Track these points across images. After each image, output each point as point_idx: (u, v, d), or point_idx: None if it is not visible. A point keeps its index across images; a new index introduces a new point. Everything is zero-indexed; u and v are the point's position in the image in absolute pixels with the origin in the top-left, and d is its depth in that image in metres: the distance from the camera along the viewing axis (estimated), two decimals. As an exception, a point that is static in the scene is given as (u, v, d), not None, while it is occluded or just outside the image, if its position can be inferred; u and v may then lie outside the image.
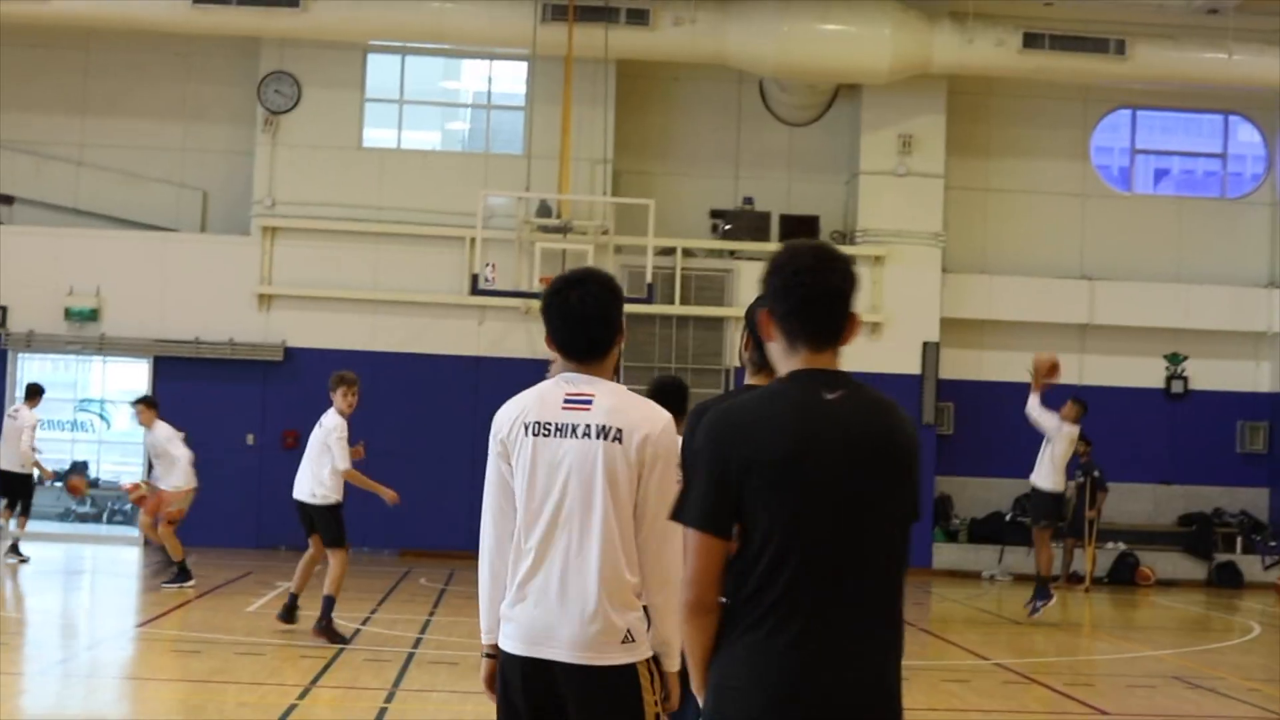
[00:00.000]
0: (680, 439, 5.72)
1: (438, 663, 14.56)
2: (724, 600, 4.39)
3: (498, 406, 5.64)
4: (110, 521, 29.08)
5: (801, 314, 4.43)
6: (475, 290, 25.22)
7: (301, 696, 12.23)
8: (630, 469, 5.42)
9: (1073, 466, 26.18)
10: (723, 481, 4.31)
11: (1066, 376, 27.88)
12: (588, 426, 5.46)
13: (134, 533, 26.97)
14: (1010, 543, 26.86)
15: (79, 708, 12.06)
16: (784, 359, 4.50)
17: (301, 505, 15.91)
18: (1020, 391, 27.58)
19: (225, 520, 23.58)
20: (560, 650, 5.37)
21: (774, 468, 4.28)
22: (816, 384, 4.40)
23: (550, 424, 5.50)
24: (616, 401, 5.53)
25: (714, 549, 4.33)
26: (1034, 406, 20.21)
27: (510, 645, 5.47)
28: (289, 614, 16.34)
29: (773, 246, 26.72)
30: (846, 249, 27.17)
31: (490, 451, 5.63)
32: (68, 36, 26.97)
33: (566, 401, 5.52)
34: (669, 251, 26.18)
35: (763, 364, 6.46)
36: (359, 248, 26.68)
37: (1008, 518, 27.48)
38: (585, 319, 5.57)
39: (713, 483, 4.33)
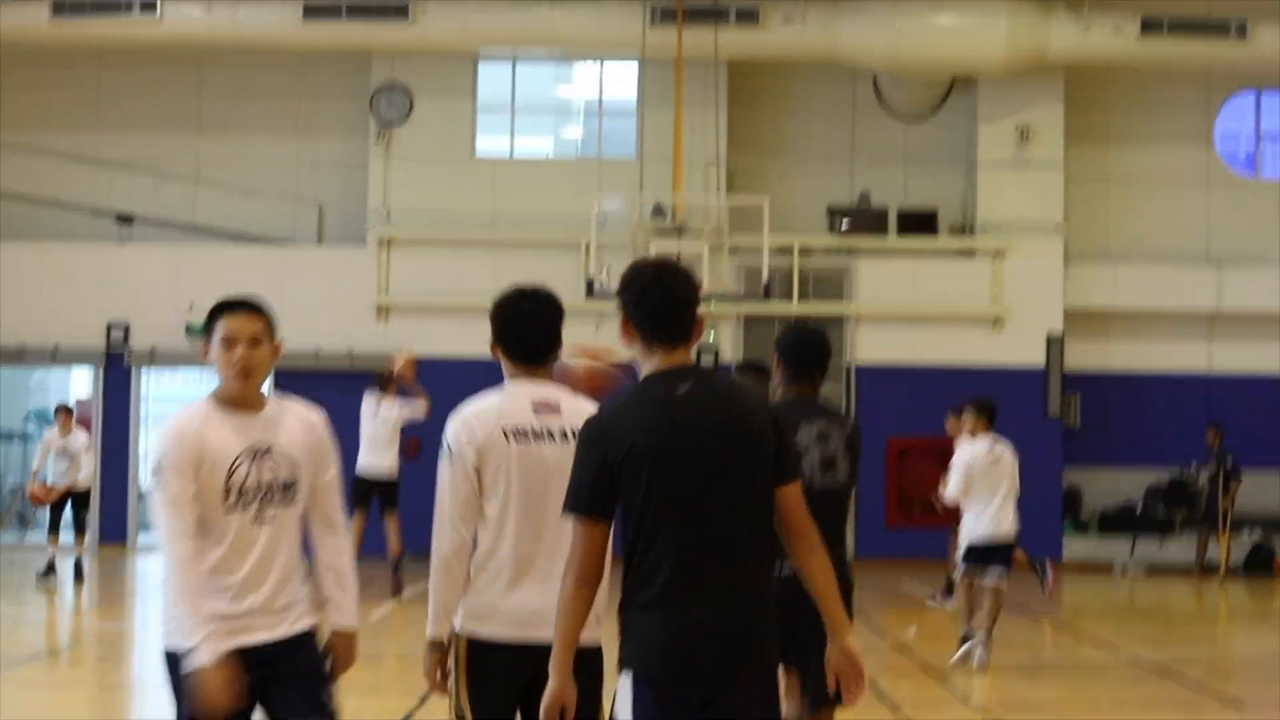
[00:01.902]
0: None
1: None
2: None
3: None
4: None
5: (653, 321, 5.26)
6: (591, 295, 25.12)
7: (421, 703, 12.13)
8: None
9: (1204, 454, 25.71)
10: (599, 474, 5.12)
11: (1194, 365, 27.50)
12: (563, 430, 6.04)
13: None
14: (1143, 533, 26.39)
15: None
16: (645, 359, 5.31)
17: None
18: (1149, 382, 27.32)
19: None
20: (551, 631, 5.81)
21: (641, 458, 5.09)
22: (669, 382, 5.22)
23: (527, 429, 6.05)
24: (572, 402, 6.17)
25: (595, 531, 5.14)
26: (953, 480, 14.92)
27: (497, 632, 6.00)
28: None
29: (891, 242, 26.59)
30: (966, 242, 26.90)
31: (454, 457, 6.05)
32: (181, 57, 27.18)
33: (537, 408, 6.09)
34: (785, 250, 25.92)
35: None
36: (475, 256, 26.67)
37: (1138, 510, 26.99)
38: (544, 325, 6.20)
39: (590, 476, 5.14)
